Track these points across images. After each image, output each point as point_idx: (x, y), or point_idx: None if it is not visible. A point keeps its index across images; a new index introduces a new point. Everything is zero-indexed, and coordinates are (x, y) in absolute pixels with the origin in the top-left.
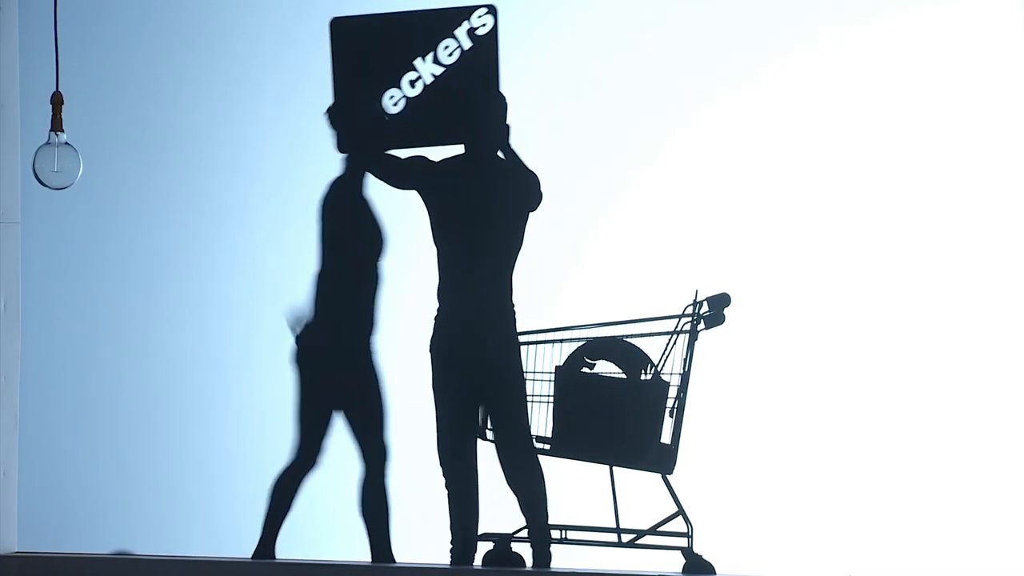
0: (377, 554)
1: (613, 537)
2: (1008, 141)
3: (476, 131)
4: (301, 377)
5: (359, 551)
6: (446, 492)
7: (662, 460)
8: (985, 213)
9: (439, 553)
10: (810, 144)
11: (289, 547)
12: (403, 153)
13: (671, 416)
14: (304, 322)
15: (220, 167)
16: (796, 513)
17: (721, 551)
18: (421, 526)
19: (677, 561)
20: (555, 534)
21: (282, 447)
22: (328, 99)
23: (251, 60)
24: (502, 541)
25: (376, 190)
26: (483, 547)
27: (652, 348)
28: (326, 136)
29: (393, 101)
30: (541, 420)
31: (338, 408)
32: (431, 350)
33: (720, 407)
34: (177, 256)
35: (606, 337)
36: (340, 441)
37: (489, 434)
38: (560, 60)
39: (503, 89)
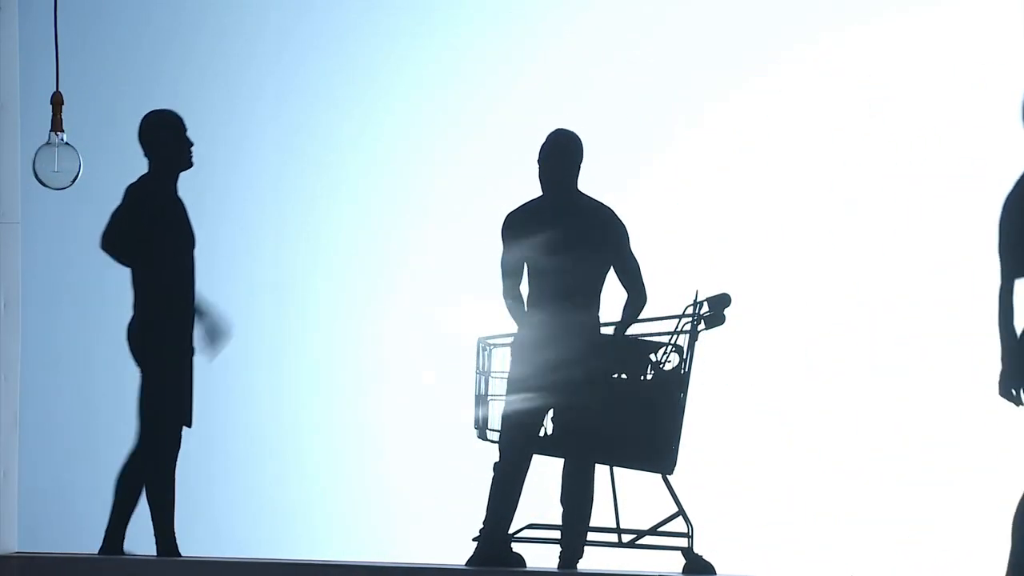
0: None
1: (613, 537)
2: (1008, 141)
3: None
4: None
5: (359, 551)
6: (492, 483)
7: (662, 460)
8: (986, 213)
9: (439, 553)
10: (810, 144)
11: (289, 547)
12: None
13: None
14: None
15: (220, 167)
16: (796, 513)
17: (721, 551)
18: (421, 526)
19: (677, 561)
20: (556, 534)
21: (281, 447)
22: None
23: (251, 60)
24: (502, 541)
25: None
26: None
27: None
28: (325, 136)
29: None
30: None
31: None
32: (515, 345)
33: (720, 407)
34: None
35: (607, 337)
36: (339, 442)
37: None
38: (560, 60)
39: (503, 88)
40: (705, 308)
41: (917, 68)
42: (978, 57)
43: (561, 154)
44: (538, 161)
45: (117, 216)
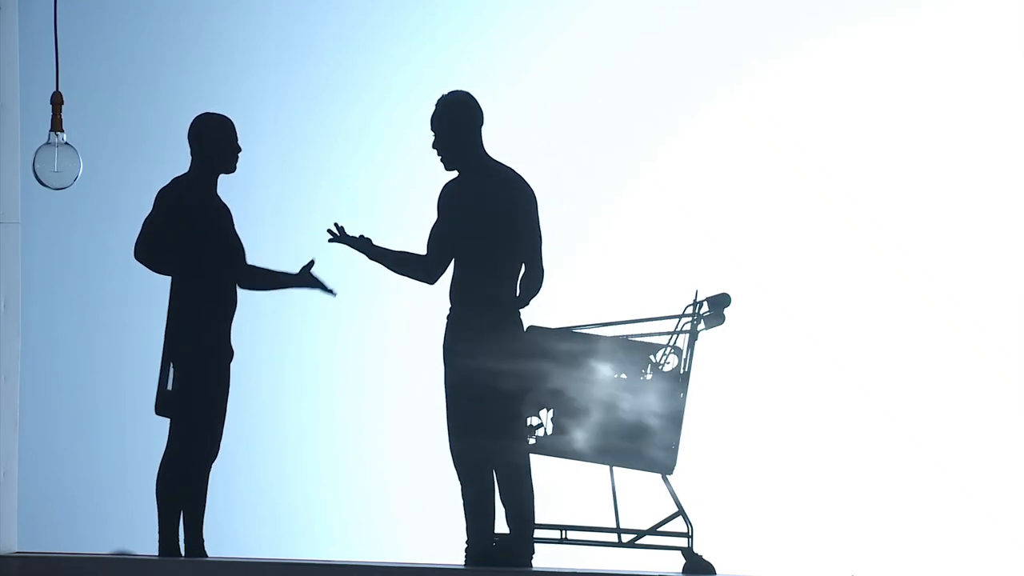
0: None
1: (613, 537)
2: (1009, 141)
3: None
4: None
5: (359, 551)
6: (463, 493)
7: (662, 460)
8: (986, 213)
9: (438, 553)
10: (810, 144)
11: (289, 547)
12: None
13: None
14: None
15: None
16: (796, 513)
17: (721, 551)
18: (421, 526)
19: (677, 561)
20: (555, 534)
21: (281, 446)
22: (327, 103)
23: (251, 60)
24: (502, 541)
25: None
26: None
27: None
28: (325, 135)
29: None
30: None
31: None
32: (444, 349)
33: (720, 407)
34: None
35: (606, 337)
36: (339, 442)
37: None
38: (560, 59)
39: (501, 88)
40: (705, 308)
41: (914, 68)
42: (979, 56)
43: (479, 118)
44: (463, 127)
45: (150, 223)
